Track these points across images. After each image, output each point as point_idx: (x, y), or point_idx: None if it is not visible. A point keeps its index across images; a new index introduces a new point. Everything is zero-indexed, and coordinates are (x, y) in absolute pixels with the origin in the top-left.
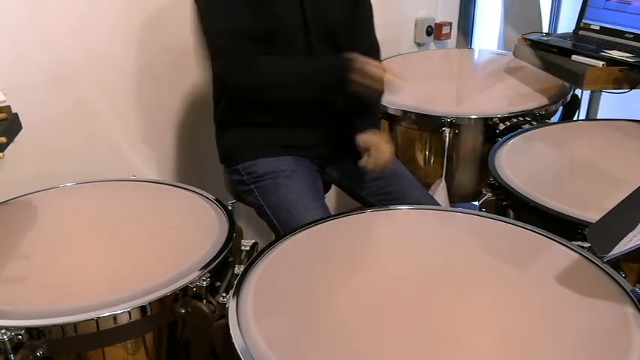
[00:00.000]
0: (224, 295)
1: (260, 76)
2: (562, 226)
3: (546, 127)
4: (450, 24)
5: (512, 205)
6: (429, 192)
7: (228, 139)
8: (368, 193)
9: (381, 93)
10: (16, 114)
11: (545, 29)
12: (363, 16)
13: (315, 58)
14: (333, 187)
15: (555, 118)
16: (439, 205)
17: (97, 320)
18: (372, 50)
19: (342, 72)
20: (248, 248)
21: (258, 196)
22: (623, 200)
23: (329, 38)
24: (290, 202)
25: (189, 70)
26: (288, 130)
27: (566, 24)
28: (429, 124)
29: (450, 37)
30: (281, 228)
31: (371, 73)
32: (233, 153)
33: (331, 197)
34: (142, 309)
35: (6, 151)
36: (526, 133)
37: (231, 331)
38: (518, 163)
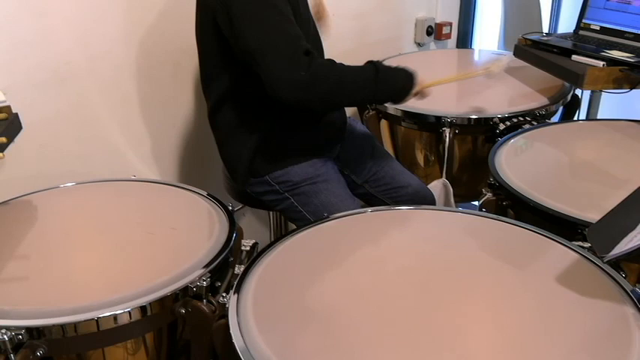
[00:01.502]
0: (224, 295)
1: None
2: (562, 226)
3: (546, 127)
4: (450, 24)
5: (512, 205)
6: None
7: (248, 151)
8: (364, 180)
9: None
10: (16, 114)
11: (545, 29)
12: None
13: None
14: None
15: (555, 118)
16: (431, 192)
17: (97, 320)
18: None
19: (408, 85)
20: (248, 248)
21: (295, 203)
22: (623, 200)
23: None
24: (333, 205)
25: (189, 69)
26: (309, 132)
27: (566, 24)
28: (429, 124)
29: (450, 37)
30: None
31: (425, 94)
32: (258, 165)
33: None
34: (142, 309)
35: (6, 151)
36: (526, 133)
37: (231, 331)
38: (518, 163)
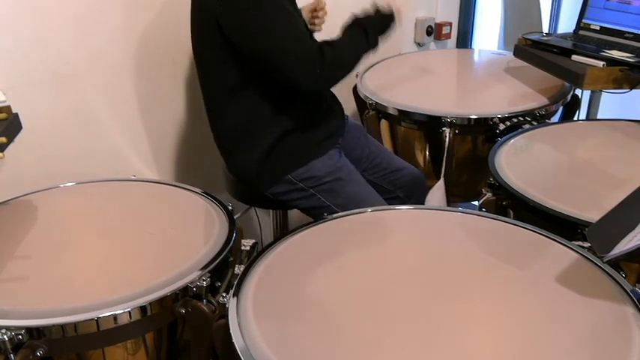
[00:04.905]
0: (224, 295)
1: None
2: (562, 226)
3: (546, 127)
4: (450, 24)
5: (512, 205)
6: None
7: (261, 155)
8: (363, 169)
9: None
10: (16, 114)
11: (545, 29)
12: None
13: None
14: None
15: (555, 118)
16: (423, 176)
17: (97, 320)
18: None
19: (391, 21)
20: (248, 248)
21: (322, 198)
22: (623, 200)
23: None
24: (360, 195)
25: (188, 69)
26: (319, 125)
27: (566, 24)
28: (429, 124)
29: (450, 37)
30: None
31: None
32: (277, 166)
33: None
34: (142, 309)
35: (6, 151)
36: (526, 133)
37: (231, 331)
38: (518, 163)
